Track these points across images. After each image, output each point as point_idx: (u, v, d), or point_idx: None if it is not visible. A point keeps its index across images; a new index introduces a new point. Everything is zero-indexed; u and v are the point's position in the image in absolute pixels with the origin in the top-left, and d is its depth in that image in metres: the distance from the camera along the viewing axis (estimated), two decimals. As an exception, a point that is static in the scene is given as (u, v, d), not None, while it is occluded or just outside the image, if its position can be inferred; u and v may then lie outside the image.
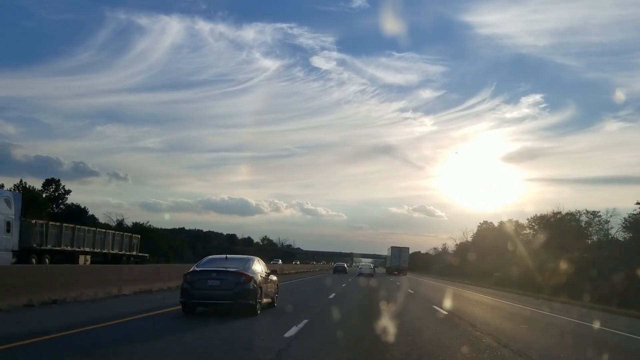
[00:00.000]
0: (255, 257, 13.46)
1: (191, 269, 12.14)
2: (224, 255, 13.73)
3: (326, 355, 7.90)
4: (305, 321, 11.07)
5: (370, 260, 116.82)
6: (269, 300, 13.50)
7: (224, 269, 11.80)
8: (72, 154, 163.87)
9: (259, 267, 12.87)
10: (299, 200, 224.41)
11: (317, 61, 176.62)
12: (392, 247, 72.07)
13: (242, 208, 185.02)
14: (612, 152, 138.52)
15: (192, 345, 8.05)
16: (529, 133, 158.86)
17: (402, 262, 67.57)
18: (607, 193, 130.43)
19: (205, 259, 13.10)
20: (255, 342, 8.56)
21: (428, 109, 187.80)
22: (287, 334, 9.17)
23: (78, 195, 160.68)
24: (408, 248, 73.06)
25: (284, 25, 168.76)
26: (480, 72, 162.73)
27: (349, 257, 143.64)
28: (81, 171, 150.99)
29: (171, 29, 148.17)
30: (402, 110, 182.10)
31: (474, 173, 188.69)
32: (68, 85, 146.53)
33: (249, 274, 11.86)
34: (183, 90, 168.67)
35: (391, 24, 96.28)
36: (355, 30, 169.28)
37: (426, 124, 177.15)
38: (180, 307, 11.78)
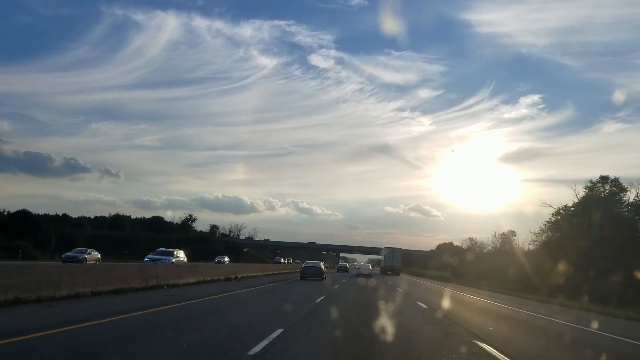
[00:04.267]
0: (321, 262, 37.67)
1: (302, 265, 36.65)
2: (313, 261, 38.13)
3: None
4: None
5: (366, 259, 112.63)
6: (325, 276, 37.16)
7: (314, 266, 35.80)
8: (66, 151, 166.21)
9: (322, 264, 36.95)
10: (294, 199, 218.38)
11: (315, 59, 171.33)
12: (385, 247, 73.41)
13: (236, 206, 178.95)
14: (611, 154, 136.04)
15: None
16: (527, 133, 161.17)
17: (395, 262, 68.40)
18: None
19: (306, 262, 37.77)
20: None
21: (426, 108, 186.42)
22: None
23: (70, 192, 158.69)
24: (401, 249, 73.81)
25: (282, 23, 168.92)
26: (479, 72, 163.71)
27: (329, 251, 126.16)
28: (72, 167, 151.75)
29: (168, 26, 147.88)
30: (400, 109, 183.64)
31: (471, 173, 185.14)
32: (63, 82, 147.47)
33: (322, 267, 35.87)
34: (180, 87, 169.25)
35: (390, 23, 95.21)
36: (353, 29, 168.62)
37: (424, 124, 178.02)
38: (299, 278, 35.52)
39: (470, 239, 79.88)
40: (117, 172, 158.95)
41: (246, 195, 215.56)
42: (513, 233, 60.88)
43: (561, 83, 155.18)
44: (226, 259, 62.71)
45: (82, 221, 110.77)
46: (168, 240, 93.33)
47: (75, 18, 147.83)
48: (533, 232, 49.87)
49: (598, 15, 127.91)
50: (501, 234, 63.95)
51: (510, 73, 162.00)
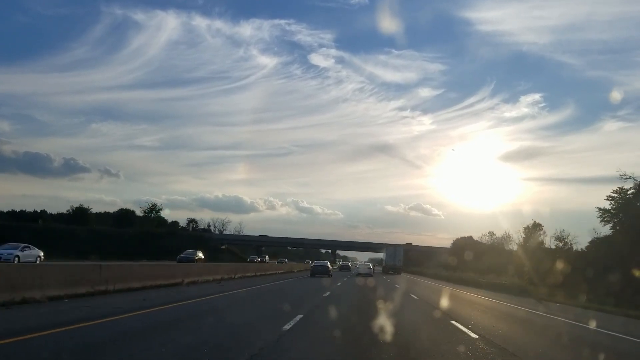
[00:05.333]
0: (327, 261, 44.47)
1: (312, 264, 43.49)
2: (321, 260, 45.36)
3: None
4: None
5: (366, 258, 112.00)
6: (331, 274, 43.59)
7: (322, 265, 42.26)
8: (66, 151, 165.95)
9: (328, 263, 43.76)
10: (294, 199, 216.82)
11: (315, 58, 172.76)
12: (386, 246, 74.41)
13: (237, 206, 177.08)
14: (611, 152, 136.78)
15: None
16: (527, 132, 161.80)
17: (397, 261, 67.70)
18: (606, 193, 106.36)
19: (315, 261, 44.95)
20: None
21: (426, 107, 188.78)
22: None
23: (70, 192, 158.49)
24: (402, 247, 74.50)
25: (282, 22, 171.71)
26: (479, 71, 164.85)
27: (326, 248, 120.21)
28: (71, 168, 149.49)
29: (167, 25, 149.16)
30: (401, 108, 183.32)
31: (472, 172, 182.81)
32: (63, 82, 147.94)
33: (328, 266, 42.46)
34: (180, 87, 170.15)
35: (390, 21, 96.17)
36: (354, 28, 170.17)
37: (424, 123, 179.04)
38: (309, 275, 41.87)
39: (491, 233, 70.71)
40: (116, 172, 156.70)
41: (246, 195, 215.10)
42: (539, 226, 52.78)
43: (562, 81, 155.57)
44: (39, 254, 32.83)
45: (38, 215, 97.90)
46: (128, 234, 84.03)
47: (75, 18, 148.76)
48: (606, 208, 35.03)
49: (598, 13, 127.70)
50: (536, 224, 52.87)
51: (510, 71, 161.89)
